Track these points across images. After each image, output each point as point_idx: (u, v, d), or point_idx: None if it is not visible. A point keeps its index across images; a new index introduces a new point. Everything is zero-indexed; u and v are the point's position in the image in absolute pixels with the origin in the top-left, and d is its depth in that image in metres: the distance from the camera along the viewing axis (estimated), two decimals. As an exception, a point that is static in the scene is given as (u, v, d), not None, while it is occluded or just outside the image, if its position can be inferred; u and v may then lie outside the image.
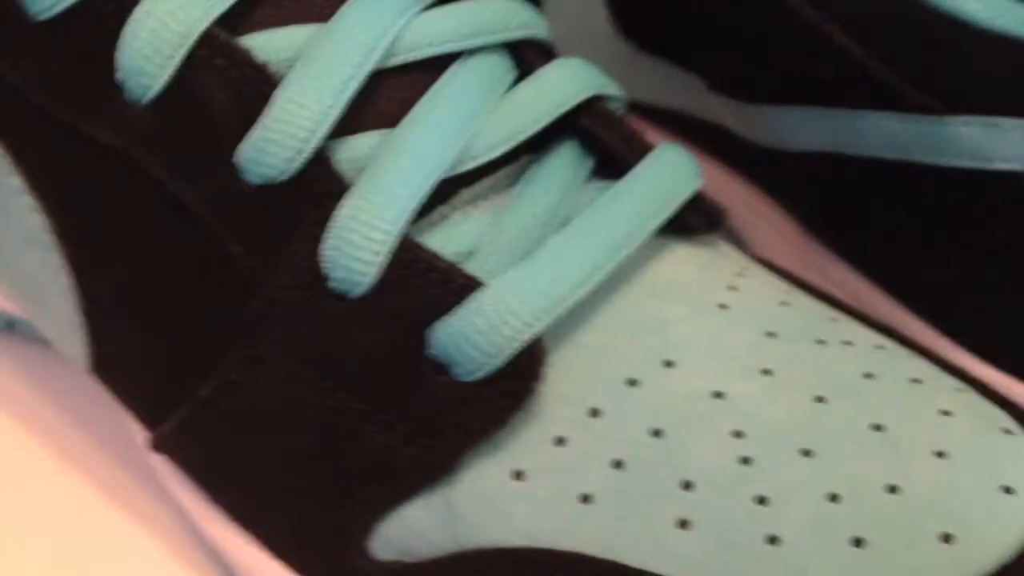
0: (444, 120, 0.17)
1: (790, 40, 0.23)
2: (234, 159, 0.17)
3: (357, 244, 0.16)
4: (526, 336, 0.16)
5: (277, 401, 0.17)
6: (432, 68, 0.18)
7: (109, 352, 0.19)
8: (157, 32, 0.16)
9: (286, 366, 0.17)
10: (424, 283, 0.16)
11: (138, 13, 0.17)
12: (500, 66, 0.19)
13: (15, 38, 0.17)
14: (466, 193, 0.18)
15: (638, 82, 0.26)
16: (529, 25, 0.19)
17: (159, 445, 0.19)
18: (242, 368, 0.17)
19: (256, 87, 0.17)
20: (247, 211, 0.17)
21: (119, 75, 0.17)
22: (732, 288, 0.18)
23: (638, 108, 0.25)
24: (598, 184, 0.19)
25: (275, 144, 0.16)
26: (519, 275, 0.16)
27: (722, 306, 0.18)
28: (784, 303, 0.18)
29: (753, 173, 0.27)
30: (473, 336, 0.16)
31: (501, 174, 0.18)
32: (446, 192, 0.17)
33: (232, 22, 0.17)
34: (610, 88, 0.20)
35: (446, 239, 0.17)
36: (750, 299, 0.18)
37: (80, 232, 0.18)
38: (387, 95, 0.18)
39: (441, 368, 0.16)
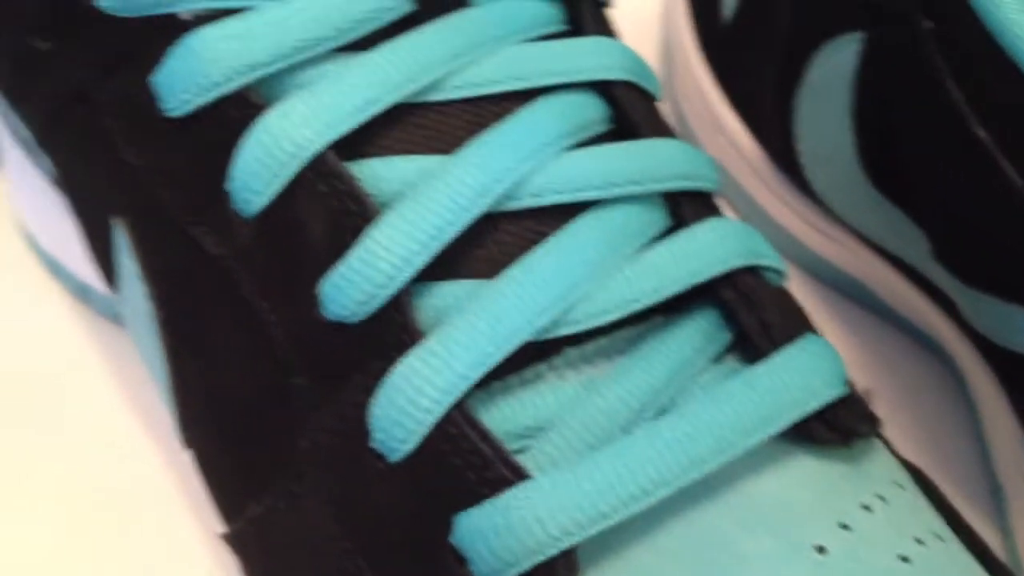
0: (547, 277, 0.16)
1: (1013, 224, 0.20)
2: (316, 290, 0.16)
3: (401, 408, 0.15)
4: (552, 550, 0.14)
5: (307, 545, 0.16)
6: (559, 215, 0.16)
7: (192, 439, 0.19)
8: (269, 148, 0.16)
9: (320, 514, 0.16)
10: (461, 465, 0.15)
11: (258, 125, 0.16)
12: (641, 219, 0.17)
13: (145, 128, 0.17)
14: (571, 353, 0.16)
15: (880, 226, 0.25)
16: (691, 176, 0.17)
17: (226, 539, 0.19)
18: (287, 500, 0.16)
19: (351, 220, 0.16)
20: (318, 345, 0.16)
21: (230, 185, 0.16)
22: (845, 526, 0.15)
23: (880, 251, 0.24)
24: (726, 367, 0.16)
25: (351, 284, 0.15)
26: (564, 477, 0.14)
27: (820, 549, 0.15)
28: (905, 558, 0.15)
29: (978, 346, 0.24)
30: (492, 537, 0.14)
31: (619, 336, 0.16)
32: (548, 348, 0.16)
33: (352, 144, 0.16)
34: (767, 259, 0.17)
35: (521, 407, 0.15)
36: (861, 546, 0.15)
37: (177, 325, 0.18)
38: (493, 241, 0.16)
39: (461, 559, 0.15)
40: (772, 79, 0.27)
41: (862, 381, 0.18)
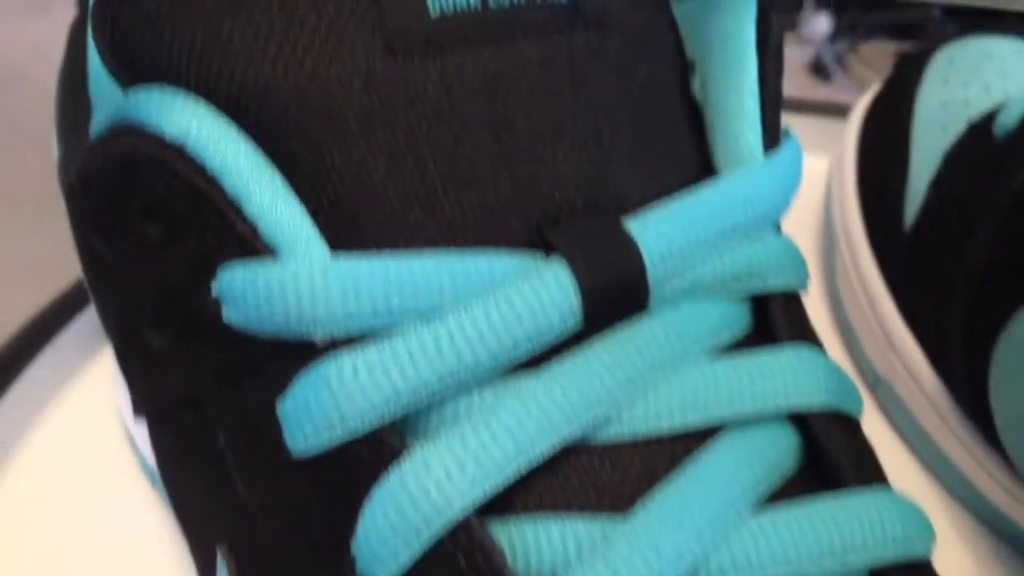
0: None
1: None
2: None
3: None
4: None
5: None
6: None
7: None
8: (403, 509, 0.13)
9: None
10: None
11: (393, 476, 0.13)
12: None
13: (262, 459, 0.15)
14: None
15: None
16: (906, 540, 0.15)
17: None
18: None
19: None
20: None
21: (356, 547, 0.14)
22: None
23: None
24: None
25: None
26: None
27: None
28: None
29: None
30: None
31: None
32: None
33: (500, 497, 0.14)
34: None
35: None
36: None
37: None
38: None
39: None
40: (962, 317, 0.23)
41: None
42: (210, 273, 0.14)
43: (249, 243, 0.14)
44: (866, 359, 0.28)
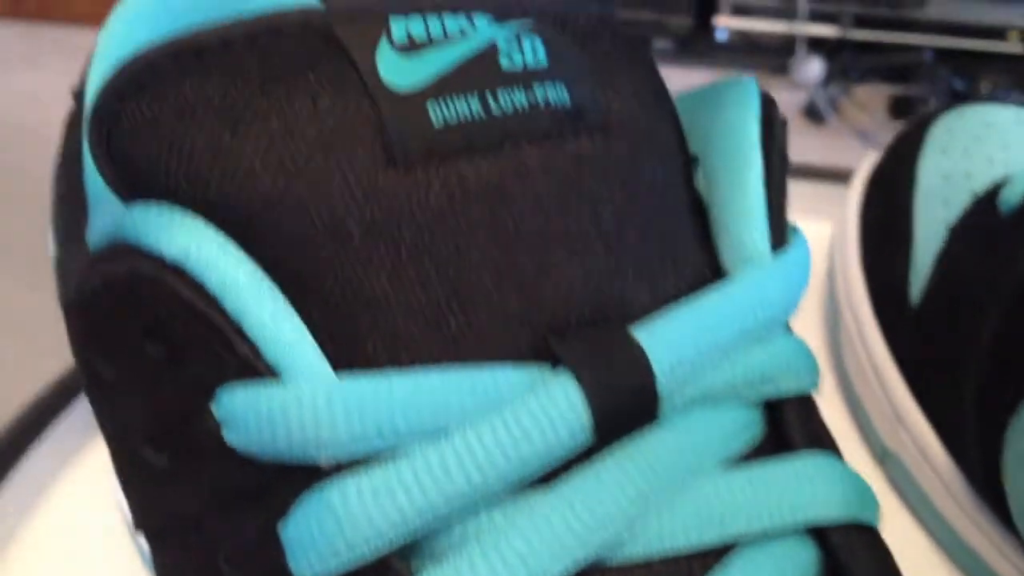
0: None
1: None
2: None
3: None
4: None
5: None
6: None
7: None
8: None
9: None
10: None
11: None
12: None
13: None
14: None
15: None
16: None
17: None
18: None
19: None
20: None
21: None
22: None
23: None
24: None
25: None
26: None
27: None
28: None
29: None
30: None
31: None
32: None
33: None
34: None
35: None
36: None
37: None
38: None
39: None
40: (974, 398, 0.23)
41: None
42: (211, 394, 0.14)
43: (250, 364, 0.14)
44: (874, 432, 0.28)
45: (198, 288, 0.14)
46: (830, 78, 1.16)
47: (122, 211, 0.15)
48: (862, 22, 1.17)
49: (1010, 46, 1.17)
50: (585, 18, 0.16)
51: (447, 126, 0.14)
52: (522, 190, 0.15)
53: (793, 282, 0.16)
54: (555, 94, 0.15)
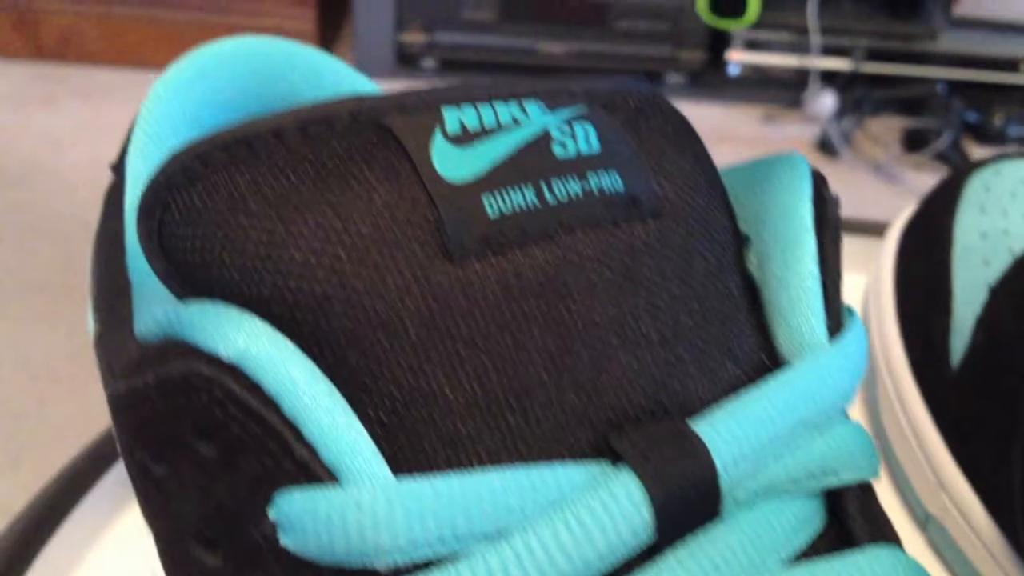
0: None
1: None
2: None
3: None
4: None
5: None
6: None
7: None
8: None
9: None
10: None
11: None
12: None
13: None
14: None
15: None
16: None
17: None
18: None
19: None
20: None
21: None
22: None
23: None
24: None
25: None
26: None
27: None
28: None
29: None
30: None
31: None
32: None
33: None
34: None
35: None
36: None
37: None
38: None
39: None
40: (1021, 462, 0.23)
41: None
42: (267, 497, 0.14)
43: (308, 467, 0.13)
44: (915, 496, 0.27)
45: (255, 389, 0.13)
46: (843, 112, 1.16)
47: (175, 306, 0.14)
48: (874, 55, 1.18)
49: (1022, 77, 1.18)
50: (635, 100, 0.16)
51: (503, 217, 0.14)
52: (577, 280, 0.15)
53: (852, 369, 0.16)
54: (609, 182, 0.15)
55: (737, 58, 1.20)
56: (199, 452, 0.14)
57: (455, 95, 0.15)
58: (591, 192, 0.15)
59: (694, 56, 1.18)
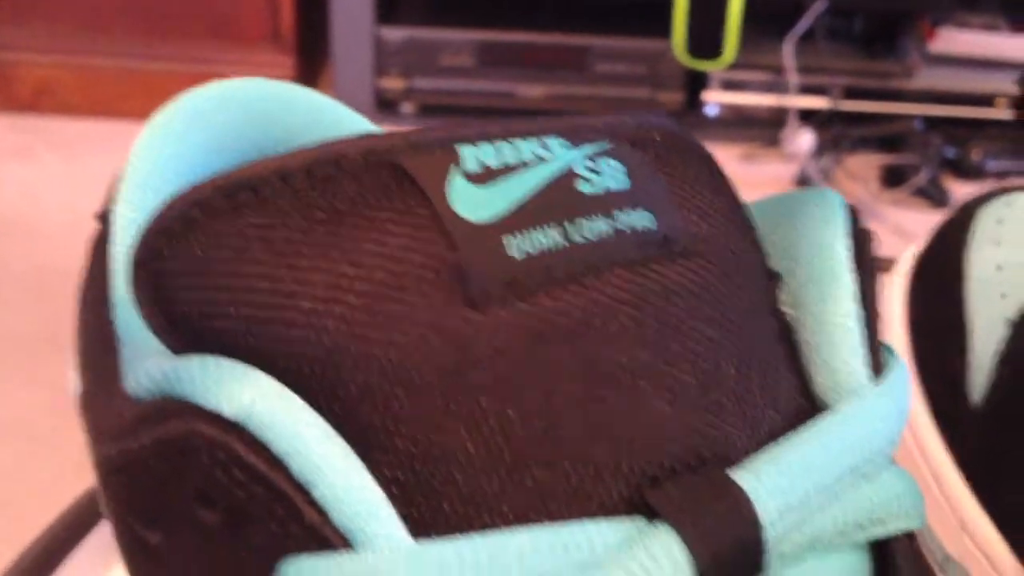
0: None
1: None
2: None
3: None
4: None
5: None
6: None
7: None
8: None
9: None
10: None
11: None
12: None
13: None
14: None
15: None
16: None
17: None
18: None
19: None
20: None
21: None
22: None
23: None
24: None
25: None
26: None
27: None
28: None
29: None
30: None
31: None
32: None
33: None
34: None
35: None
36: None
37: None
38: None
39: None
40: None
41: None
42: (274, 565, 0.12)
43: (319, 531, 0.12)
44: (933, 537, 0.26)
45: (262, 449, 0.12)
46: (821, 149, 1.16)
47: (171, 361, 0.13)
48: (851, 93, 1.18)
49: (998, 112, 1.18)
50: (660, 134, 0.15)
51: (528, 259, 0.13)
52: (608, 325, 0.14)
53: (897, 411, 0.15)
54: (639, 220, 0.14)
55: (715, 99, 1.20)
56: (200, 519, 0.13)
57: (471, 132, 0.14)
58: (621, 231, 0.14)
59: (672, 97, 1.19)
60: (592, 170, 0.14)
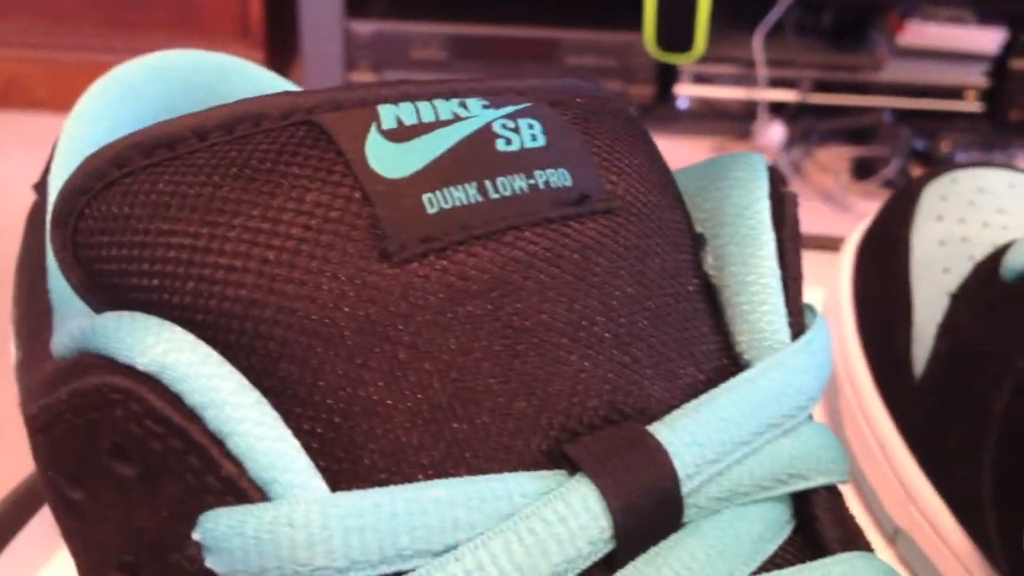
0: None
1: None
2: None
3: None
4: None
5: None
6: None
7: None
8: None
9: None
10: None
11: None
12: None
13: None
14: None
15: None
16: None
17: None
18: None
19: None
20: None
21: None
22: None
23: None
24: None
25: None
26: None
27: None
28: None
29: None
30: None
31: None
32: None
33: None
34: None
35: None
36: None
37: None
38: None
39: None
40: (992, 474, 0.22)
41: None
42: (191, 517, 0.13)
43: (235, 484, 0.12)
44: (883, 511, 0.26)
45: (176, 401, 0.12)
46: (792, 142, 1.17)
47: (90, 318, 0.13)
48: (821, 86, 1.19)
49: (968, 105, 1.19)
50: (584, 98, 0.16)
51: (444, 214, 0.13)
52: (525, 280, 0.14)
53: (817, 368, 0.15)
54: (557, 178, 0.14)
55: (685, 92, 1.21)
56: (117, 473, 0.13)
57: (393, 92, 0.14)
58: (537, 188, 0.14)
59: (643, 91, 1.19)
60: (511, 129, 0.14)
